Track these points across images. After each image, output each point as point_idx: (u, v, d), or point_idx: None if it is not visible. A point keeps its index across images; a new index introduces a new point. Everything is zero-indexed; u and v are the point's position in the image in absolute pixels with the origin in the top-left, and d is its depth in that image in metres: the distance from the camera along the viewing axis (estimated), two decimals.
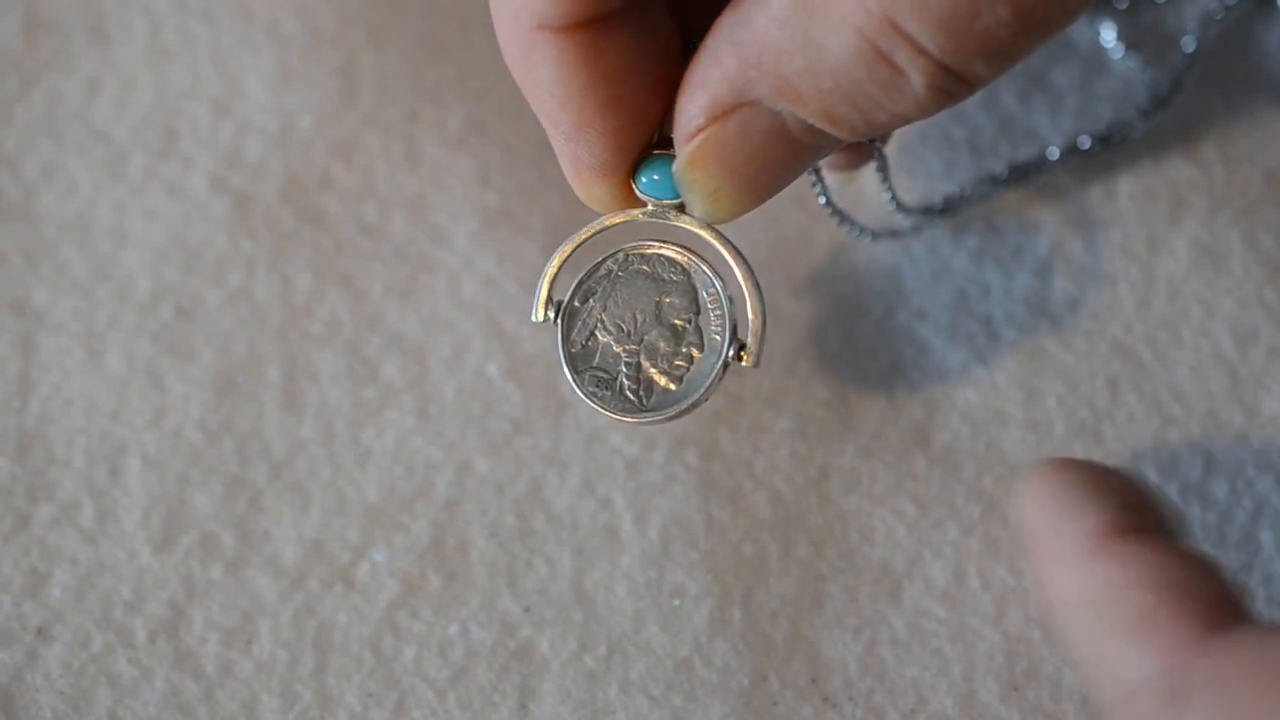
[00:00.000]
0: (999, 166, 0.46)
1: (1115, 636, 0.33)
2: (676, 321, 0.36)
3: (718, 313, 0.36)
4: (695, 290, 0.36)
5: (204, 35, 0.49)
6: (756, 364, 0.36)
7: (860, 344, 0.44)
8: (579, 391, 0.36)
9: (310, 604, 0.40)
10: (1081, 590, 0.35)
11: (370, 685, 0.39)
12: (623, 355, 0.36)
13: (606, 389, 0.36)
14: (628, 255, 0.37)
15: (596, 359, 0.37)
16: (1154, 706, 0.32)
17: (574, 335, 0.37)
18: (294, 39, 0.49)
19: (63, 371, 0.43)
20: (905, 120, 0.32)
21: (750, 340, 0.36)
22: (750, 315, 0.36)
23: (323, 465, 0.42)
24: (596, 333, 0.37)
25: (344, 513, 0.41)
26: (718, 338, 0.36)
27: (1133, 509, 0.36)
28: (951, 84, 0.31)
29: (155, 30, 0.49)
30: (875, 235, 0.44)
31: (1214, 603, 0.33)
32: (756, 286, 0.36)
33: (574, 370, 0.36)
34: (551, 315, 0.37)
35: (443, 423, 0.43)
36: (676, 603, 0.39)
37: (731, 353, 0.36)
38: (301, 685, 0.39)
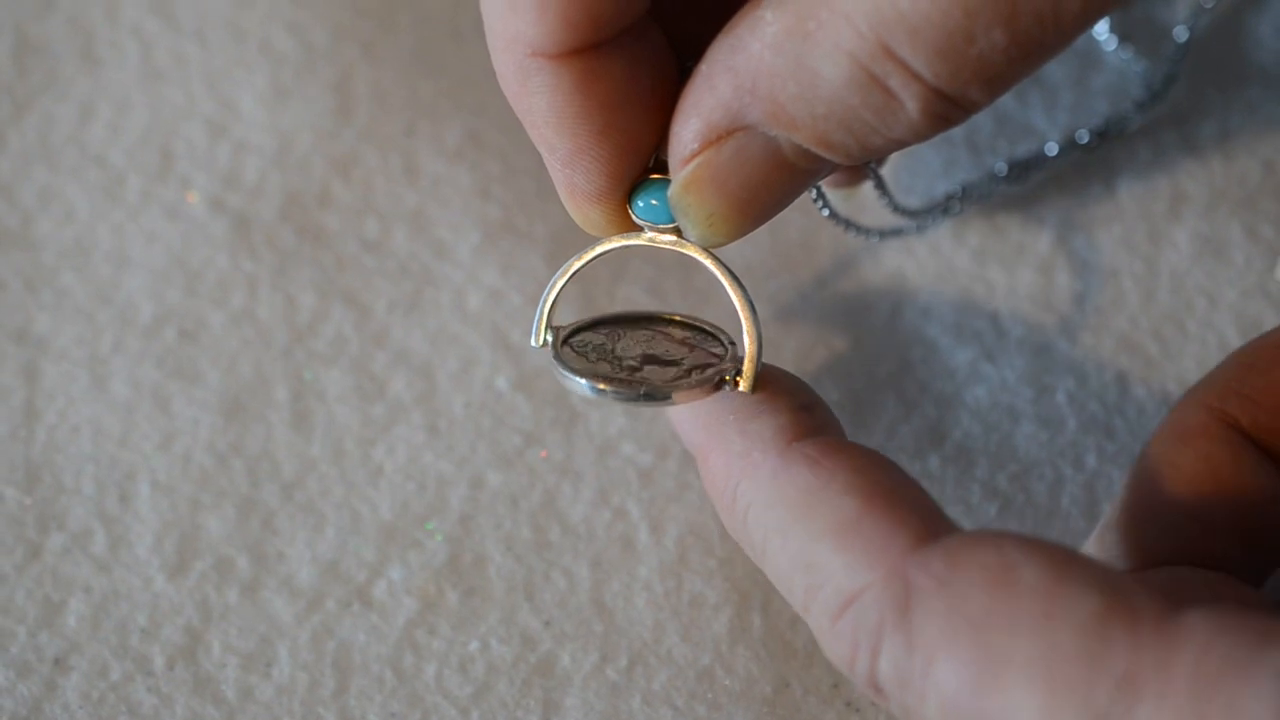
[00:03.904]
0: (998, 163, 0.46)
1: (820, 543, 0.32)
2: (669, 357, 0.36)
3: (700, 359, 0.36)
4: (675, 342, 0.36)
5: (196, 55, 0.48)
6: (753, 389, 0.35)
7: (868, 345, 0.44)
8: (602, 391, 0.36)
9: (328, 625, 0.40)
10: (772, 500, 0.34)
11: (393, 705, 0.39)
12: (632, 368, 0.37)
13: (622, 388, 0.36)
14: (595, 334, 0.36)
15: (607, 373, 0.37)
16: (879, 615, 0.31)
17: (576, 364, 0.37)
18: (287, 56, 0.48)
19: (68, 398, 0.43)
20: (901, 145, 0.32)
21: (746, 365, 0.35)
22: (746, 340, 0.35)
23: (334, 484, 0.42)
24: (594, 359, 0.37)
25: (358, 531, 0.41)
26: (710, 369, 0.36)
27: (809, 409, 0.35)
28: (947, 109, 0.31)
29: (147, 52, 0.49)
30: (882, 235, 0.44)
31: (922, 511, 0.32)
32: (752, 311, 0.35)
33: (593, 381, 0.36)
34: (549, 339, 0.37)
35: (453, 437, 0.42)
36: None
37: (727, 381, 0.35)
38: (323, 708, 0.39)
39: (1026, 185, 0.46)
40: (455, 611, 0.40)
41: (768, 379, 0.36)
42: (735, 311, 0.35)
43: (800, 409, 0.35)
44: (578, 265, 0.37)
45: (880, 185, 0.42)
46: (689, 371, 0.36)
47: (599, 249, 0.36)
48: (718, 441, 0.35)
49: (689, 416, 0.36)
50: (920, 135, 0.31)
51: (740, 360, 0.35)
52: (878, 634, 0.31)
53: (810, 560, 0.33)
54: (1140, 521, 0.35)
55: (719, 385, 0.35)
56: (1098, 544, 0.36)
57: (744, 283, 0.36)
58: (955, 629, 0.30)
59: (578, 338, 0.37)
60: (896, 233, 0.45)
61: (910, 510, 0.32)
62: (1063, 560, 0.30)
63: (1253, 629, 0.28)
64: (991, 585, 0.30)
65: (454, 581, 0.40)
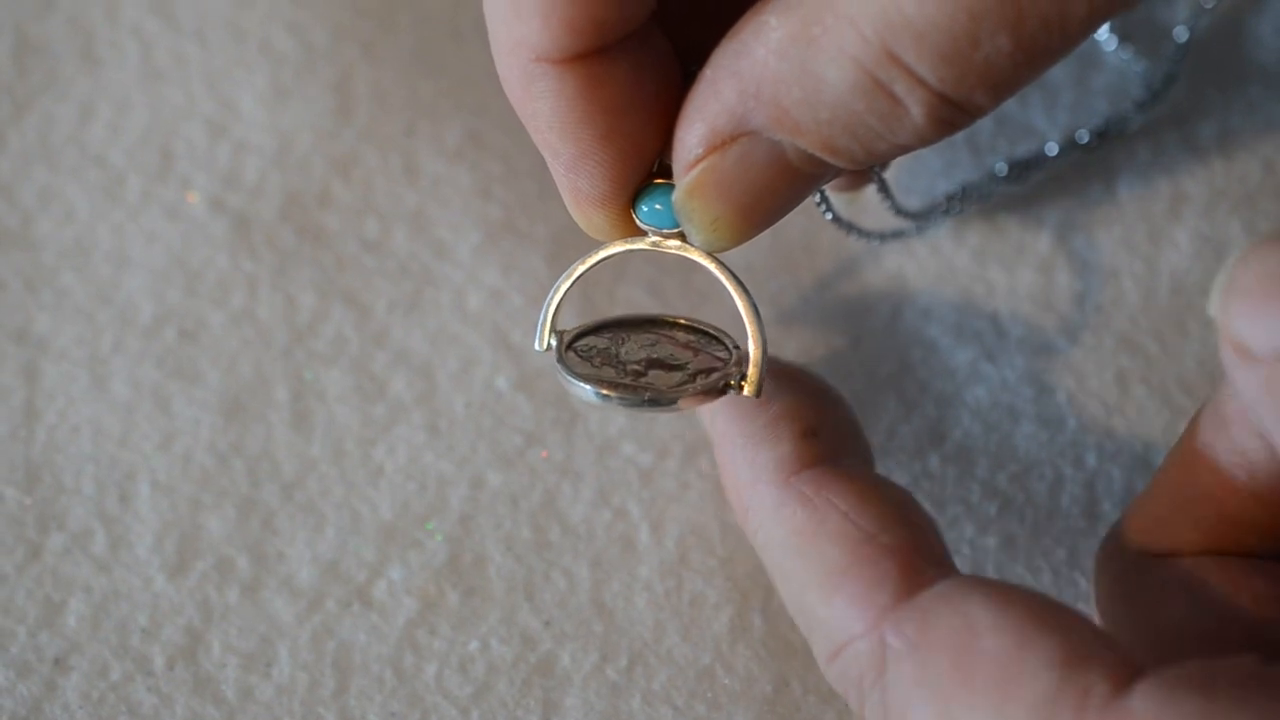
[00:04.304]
0: (998, 164, 0.46)
1: (810, 592, 0.33)
2: (674, 361, 0.37)
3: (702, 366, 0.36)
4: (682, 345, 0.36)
5: (196, 55, 0.48)
6: (758, 393, 0.35)
7: (868, 345, 0.44)
8: (607, 397, 0.36)
9: (328, 625, 0.40)
10: (772, 535, 0.35)
11: (393, 705, 0.39)
12: (637, 372, 0.36)
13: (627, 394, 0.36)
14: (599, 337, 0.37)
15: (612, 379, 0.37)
16: (859, 670, 0.32)
17: (581, 369, 0.37)
18: (287, 56, 0.48)
19: (68, 399, 0.43)
20: (905, 150, 0.32)
21: (751, 369, 0.35)
22: (751, 345, 0.35)
23: (334, 484, 0.42)
24: (599, 363, 0.37)
25: (358, 531, 0.41)
26: (715, 374, 0.36)
27: (815, 435, 0.35)
28: (952, 114, 0.31)
29: (147, 52, 0.49)
30: (883, 238, 0.44)
31: (909, 556, 0.33)
32: (757, 316, 0.35)
33: (597, 387, 0.36)
34: (553, 344, 0.37)
35: (454, 437, 0.42)
36: None
37: (732, 386, 0.35)
38: (324, 708, 0.39)
39: (1026, 185, 0.46)
40: (455, 611, 0.40)
41: (779, 384, 0.36)
42: (736, 311, 0.35)
43: (804, 435, 0.35)
44: (581, 269, 0.36)
45: (884, 189, 0.41)
46: (694, 376, 0.36)
47: (602, 253, 0.36)
48: (729, 469, 0.36)
49: (710, 421, 0.37)
50: (925, 140, 0.31)
51: (745, 364, 0.35)
52: (859, 687, 0.32)
53: (803, 607, 0.34)
54: (1174, 504, 0.35)
55: (724, 390, 0.35)
56: (1135, 519, 0.36)
57: (748, 286, 0.36)
58: (922, 695, 0.31)
59: (582, 342, 0.37)
60: (898, 235, 0.44)
61: (895, 560, 0.33)
62: (1028, 623, 0.30)
63: (1198, 707, 0.28)
64: (955, 651, 0.30)
65: (454, 581, 0.40)
